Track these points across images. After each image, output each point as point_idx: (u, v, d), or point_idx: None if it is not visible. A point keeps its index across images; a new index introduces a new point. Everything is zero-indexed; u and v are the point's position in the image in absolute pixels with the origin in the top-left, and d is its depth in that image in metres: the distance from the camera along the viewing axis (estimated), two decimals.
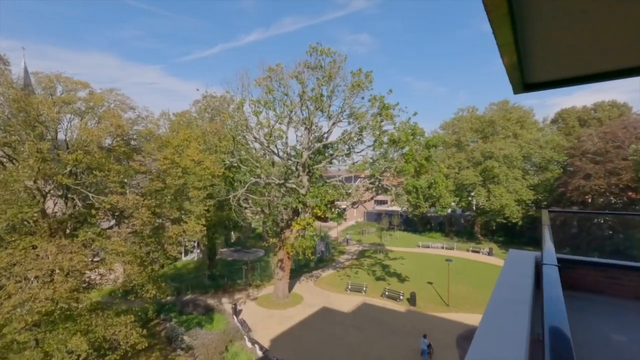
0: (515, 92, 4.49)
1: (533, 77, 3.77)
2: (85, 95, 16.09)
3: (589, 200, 37.93)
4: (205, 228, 19.76)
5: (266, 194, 27.29)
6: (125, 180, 16.66)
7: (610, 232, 34.57)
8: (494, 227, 46.05)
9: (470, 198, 46.82)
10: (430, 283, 30.02)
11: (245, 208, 27.96)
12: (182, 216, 19.25)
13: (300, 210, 25.12)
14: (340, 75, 23.45)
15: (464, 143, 48.00)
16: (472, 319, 23.01)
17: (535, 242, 43.50)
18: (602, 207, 36.55)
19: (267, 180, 24.99)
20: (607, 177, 34.32)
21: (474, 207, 47.83)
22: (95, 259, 15.89)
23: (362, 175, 29.98)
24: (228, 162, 25.50)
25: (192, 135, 21.64)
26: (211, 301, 26.81)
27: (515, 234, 46.52)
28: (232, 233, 43.99)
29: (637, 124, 36.01)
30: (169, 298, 25.20)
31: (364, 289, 28.47)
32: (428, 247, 44.95)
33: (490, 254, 40.66)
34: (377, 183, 24.80)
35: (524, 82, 4.00)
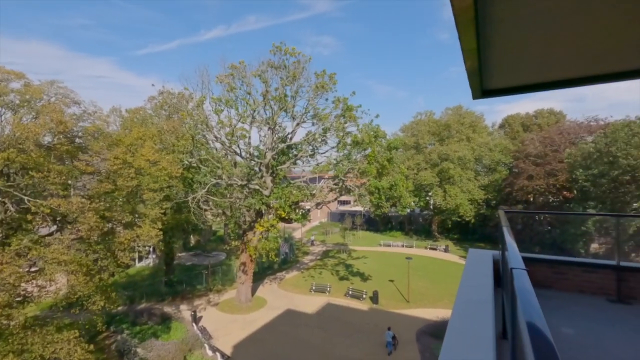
0: (474, 97, 4.65)
1: (491, 83, 3.92)
2: (20, 87, 14.45)
3: (531, 199, 41.50)
4: (161, 232, 18.59)
5: (228, 196, 26.41)
6: (69, 181, 15.20)
7: (549, 227, 38.14)
8: (450, 225, 48.71)
9: (428, 198, 49.10)
10: (392, 281, 30.95)
11: (206, 210, 26.84)
12: (136, 220, 17.98)
13: (263, 211, 24.63)
14: (304, 76, 23.38)
15: (423, 145, 50.26)
16: (431, 313, 24.07)
17: (486, 239, 46.80)
18: (542, 206, 40.12)
19: (228, 182, 24.18)
20: (546, 178, 37.78)
21: (432, 207, 50.23)
22: (33, 269, 14.28)
23: (326, 176, 30.18)
24: (187, 162, 24.30)
25: (147, 133, 20.30)
26: (168, 309, 25.36)
27: (468, 232, 49.63)
28: (191, 236, 42.05)
29: (571, 130, 40.10)
30: (120, 308, 23.41)
31: (328, 289, 28.63)
32: (389, 245, 46.38)
33: (446, 250, 42.93)
34: (340, 184, 25.06)
35: (482, 88, 4.15)
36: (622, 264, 4.15)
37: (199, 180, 23.93)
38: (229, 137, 23.41)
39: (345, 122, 22.85)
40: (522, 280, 1.41)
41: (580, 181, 33.00)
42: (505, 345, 2.64)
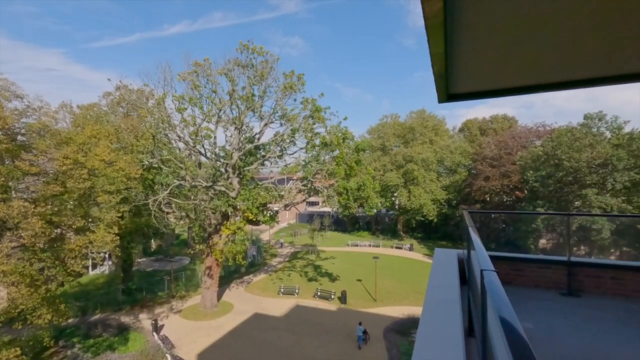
0: (440, 100, 4.78)
1: (457, 87, 4.07)
2: None
3: (488, 199, 44.20)
4: (118, 237, 17.38)
5: (192, 198, 25.37)
6: (10, 183, 13.76)
7: (504, 225, 40.83)
8: (414, 225, 50.52)
9: (393, 198, 50.56)
10: (360, 280, 31.43)
11: (168, 213, 25.59)
12: (89, 225, 16.68)
13: (230, 214, 23.94)
14: (272, 76, 23.10)
15: (388, 147, 51.69)
16: (397, 311, 24.73)
17: (448, 237, 49.00)
18: (497, 205, 42.87)
19: (192, 183, 23.23)
20: (501, 179, 40.46)
21: (397, 207, 51.80)
22: None
23: (295, 177, 30.00)
24: (147, 162, 23.01)
25: (102, 131, 18.94)
26: (126, 319, 23.80)
27: (431, 230, 51.77)
28: (152, 241, 39.90)
29: (522, 134, 43.26)
30: (70, 320, 21.60)
31: (297, 291, 28.44)
32: (357, 245, 47.10)
33: (411, 249, 44.43)
34: (309, 185, 25.01)
35: (448, 92, 4.28)
36: (572, 259, 4.48)
37: (161, 182, 22.75)
38: (193, 137, 22.51)
39: (314, 123, 22.87)
40: (493, 281, 1.43)
41: (530, 182, 35.65)
42: (472, 342, 2.72)
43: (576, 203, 31.85)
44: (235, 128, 23.95)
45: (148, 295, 27.56)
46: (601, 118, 32.72)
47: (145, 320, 23.67)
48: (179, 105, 22.01)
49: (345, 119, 23.44)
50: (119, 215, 18.27)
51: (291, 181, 36.57)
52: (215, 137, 24.11)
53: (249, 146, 24.56)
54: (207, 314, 24.64)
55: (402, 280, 31.18)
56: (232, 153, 23.90)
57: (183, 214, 26.22)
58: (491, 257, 4.84)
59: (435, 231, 51.59)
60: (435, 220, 48.06)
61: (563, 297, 4.29)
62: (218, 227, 24.68)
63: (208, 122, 22.63)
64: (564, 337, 3.35)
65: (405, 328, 21.81)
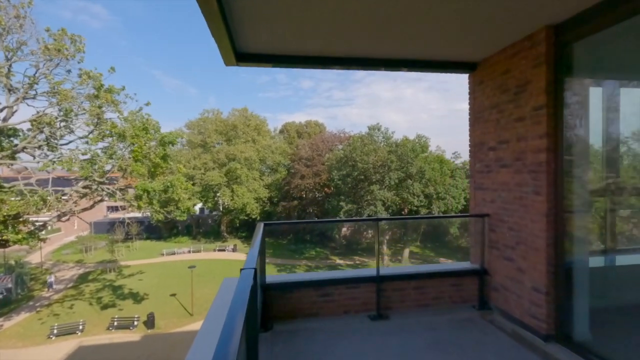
0: (227, 63, 3.18)
1: (246, 45, 2.71)
2: None
3: (304, 195, 48.72)
4: None
5: None
6: None
7: (316, 217, 46.10)
8: (238, 224, 49.53)
9: (216, 198, 47.75)
10: (174, 295, 27.24)
11: None
12: None
13: None
14: (28, 30, 16.02)
15: (210, 144, 48.38)
16: None
17: (270, 234, 50.78)
18: (311, 200, 47.90)
19: None
20: (314, 177, 45.35)
21: (220, 207, 49.30)
22: None
23: (76, 177, 22.45)
24: None
25: None
26: None
27: (254, 229, 52.33)
28: None
29: (329, 139, 50.12)
30: None
31: (80, 327, 21.42)
32: (174, 253, 41.55)
33: (234, 250, 43.15)
34: (95, 186, 19.00)
35: (236, 50, 2.82)
36: (381, 272, 3.96)
37: None
38: None
39: (101, 106, 17.36)
40: None
41: (335, 180, 41.52)
42: None
43: (368, 197, 39.39)
44: None
45: None
46: (378, 129, 41.91)
47: None
48: None
49: (147, 104, 18.87)
50: None
51: (74, 181, 27.57)
52: None
53: None
54: None
55: None
56: None
57: None
58: (298, 283, 3.75)
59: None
60: (258, 218, 48.73)
61: (373, 321, 3.74)
62: None
63: None
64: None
65: None
